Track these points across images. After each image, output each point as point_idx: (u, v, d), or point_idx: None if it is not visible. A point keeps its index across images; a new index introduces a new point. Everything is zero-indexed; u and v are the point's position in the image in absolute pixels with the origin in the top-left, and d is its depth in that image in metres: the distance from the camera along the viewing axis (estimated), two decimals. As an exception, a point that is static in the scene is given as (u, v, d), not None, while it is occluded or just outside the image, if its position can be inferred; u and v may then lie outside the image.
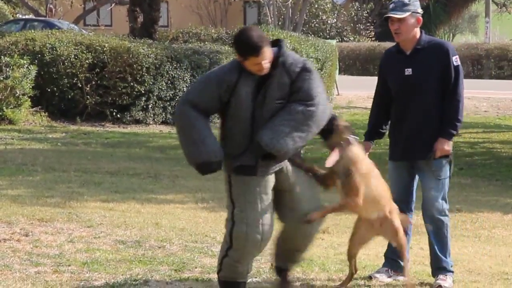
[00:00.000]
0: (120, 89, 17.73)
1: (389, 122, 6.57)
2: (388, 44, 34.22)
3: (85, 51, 17.71)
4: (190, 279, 6.25)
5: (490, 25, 43.01)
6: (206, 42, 21.55)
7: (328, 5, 42.24)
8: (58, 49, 17.60)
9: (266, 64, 5.40)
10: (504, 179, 13.52)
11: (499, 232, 9.04)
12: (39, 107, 17.64)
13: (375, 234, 6.05)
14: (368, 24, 43.86)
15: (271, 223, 5.55)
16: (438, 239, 6.40)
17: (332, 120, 5.70)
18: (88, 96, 17.72)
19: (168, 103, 18.32)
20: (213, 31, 24.99)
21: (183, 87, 18.28)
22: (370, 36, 43.69)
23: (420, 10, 6.38)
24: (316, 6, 41.69)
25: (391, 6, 6.36)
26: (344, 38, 42.08)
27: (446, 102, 6.31)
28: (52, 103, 17.77)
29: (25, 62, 16.76)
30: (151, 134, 17.21)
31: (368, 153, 6.27)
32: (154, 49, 18.19)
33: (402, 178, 6.46)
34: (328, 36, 38.95)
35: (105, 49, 17.78)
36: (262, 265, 6.59)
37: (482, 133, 18.94)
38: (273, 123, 5.40)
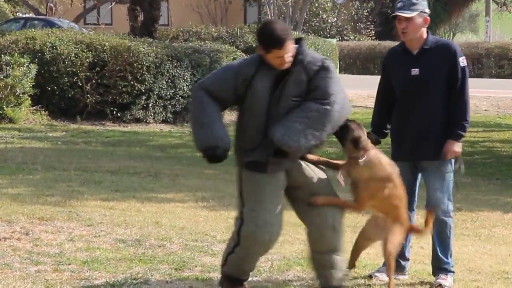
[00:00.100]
0: (120, 88, 17.71)
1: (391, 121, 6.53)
2: (388, 43, 34.39)
3: (85, 50, 17.69)
4: (190, 278, 6.24)
5: (490, 24, 43.01)
6: (207, 41, 21.58)
7: (328, 4, 42.21)
8: (58, 47, 17.58)
9: (288, 57, 5.36)
10: (504, 178, 13.52)
11: (499, 231, 9.03)
12: (39, 105, 17.62)
13: (379, 235, 5.99)
14: (369, 23, 43.87)
15: (280, 224, 5.50)
16: (440, 240, 6.38)
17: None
18: (89, 95, 17.70)
19: (169, 102, 18.31)
20: (213, 30, 25.04)
21: (183, 86, 18.28)
22: (371, 35, 43.73)
23: (427, 10, 6.30)
24: (316, 5, 41.67)
25: (398, 5, 6.28)
26: (345, 37, 42.06)
27: (453, 103, 6.27)
28: (52, 102, 17.74)
29: (25, 60, 16.74)
30: (152, 133, 17.20)
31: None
32: (154, 48, 18.19)
33: (405, 178, 6.41)
34: (328, 35, 38.95)
35: (105, 48, 17.76)
36: (262, 264, 6.57)
37: (482, 132, 18.92)
38: (287, 119, 5.36)
